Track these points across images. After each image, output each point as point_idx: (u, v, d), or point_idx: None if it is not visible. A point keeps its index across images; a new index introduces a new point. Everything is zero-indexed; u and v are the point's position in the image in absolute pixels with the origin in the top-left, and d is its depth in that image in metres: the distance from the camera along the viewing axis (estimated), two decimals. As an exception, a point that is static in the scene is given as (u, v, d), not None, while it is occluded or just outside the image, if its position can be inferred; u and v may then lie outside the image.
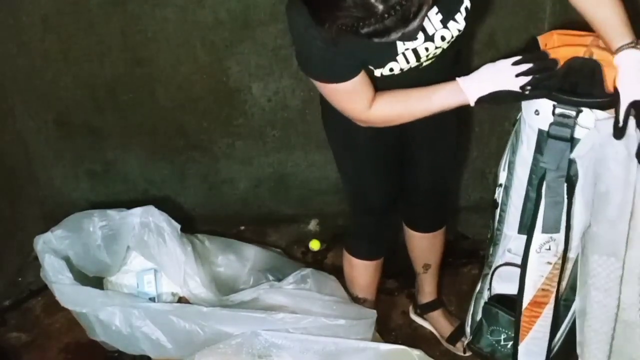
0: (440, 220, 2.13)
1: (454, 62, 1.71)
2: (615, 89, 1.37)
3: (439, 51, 1.55)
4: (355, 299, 2.13)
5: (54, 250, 2.10)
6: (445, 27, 1.51)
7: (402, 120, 1.59)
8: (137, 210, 2.16)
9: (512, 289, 1.72)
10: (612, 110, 1.40)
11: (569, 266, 1.65)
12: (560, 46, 1.53)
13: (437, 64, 1.60)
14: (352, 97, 1.53)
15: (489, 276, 1.80)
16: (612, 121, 1.40)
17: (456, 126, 1.93)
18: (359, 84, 1.51)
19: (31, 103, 2.46)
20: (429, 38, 1.50)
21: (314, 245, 2.61)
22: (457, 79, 1.50)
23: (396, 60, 1.51)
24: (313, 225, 2.69)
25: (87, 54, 2.34)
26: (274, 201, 2.67)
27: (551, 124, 1.48)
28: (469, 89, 1.48)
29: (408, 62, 1.52)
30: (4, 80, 2.41)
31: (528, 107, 1.53)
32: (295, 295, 2.03)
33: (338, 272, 2.18)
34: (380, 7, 1.19)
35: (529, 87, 1.43)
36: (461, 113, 1.71)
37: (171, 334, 1.98)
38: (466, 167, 2.54)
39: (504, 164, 1.68)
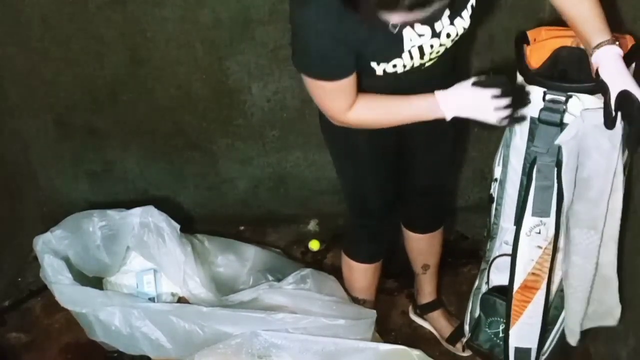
0: (438, 221, 2.13)
1: (451, 69, 1.72)
2: (602, 81, 1.39)
3: (441, 50, 1.55)
4: (355, 301, 2.13)
5: (53, 251, 2.10)
6: (451, 23, 1.52)
7: (377, 126, 1.63)
8: (137, 211, 2.16)
9: (510, 280, 1.74)
10: (600, 103, 1.42)
11: (560, 256, 1.66)
12: (548, 39, 1.56)
13: (435, 68, 1.60)
14: (336, 96, 1.54)
15: (487, 270, 1.81)
16: (597, 112, 1.43)
17: (454, 127, 1.93)
18: (347, 85, 1.52)
19: (31, 103, 2.46)
20: (436, 34, 1.51)
21: (314, 245, 2.61)
22: (435, 92, 1.53)
23: (401, 57, 1.50)
24: (313, 225, 2.69)
25: (87, 54, 2.34)
26: (274, 201, 2.67)
27: (541, 110, 1.53)
28: (447, 106, 1.52)
29: (412, 58, 1.52)
30: (4, 80, 2.40)
31: None
32: (294, 295, 2.03)
33: (338, 272, 2.18)
34: None
35: (505, 121, 1.49)
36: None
37: (171, 334, 1.98)
38: (466, 167, 2.54)
39: (498, 159, 1.71)
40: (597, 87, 1.41)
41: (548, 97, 1.50)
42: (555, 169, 1.56)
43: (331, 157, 1.94)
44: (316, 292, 2.05)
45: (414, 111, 1.56)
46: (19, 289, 2.49)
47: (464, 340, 2.00)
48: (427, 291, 2.27)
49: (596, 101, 1.45)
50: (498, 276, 1.78)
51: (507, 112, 1.49)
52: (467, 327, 1.93)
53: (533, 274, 1.68)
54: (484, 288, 1.83)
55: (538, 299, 1.70)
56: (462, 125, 1.68)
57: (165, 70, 2.36)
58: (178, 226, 2.15)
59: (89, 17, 2.26)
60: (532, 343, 1.76)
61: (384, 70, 1.53)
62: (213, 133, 2.50)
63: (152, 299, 2.18)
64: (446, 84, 1.57)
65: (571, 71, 1.53)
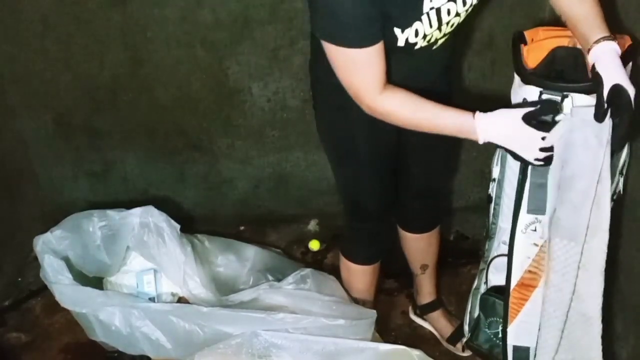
0: (433, 221, 2.13)
1: (448, 66, 1.73)
2: (597, 74, 1.39)
3: (455, 22, 1.54)
4: (354, 302, 2.12)
5: (53, 251, 2.10)
6: None
7: (402, 124, 1.56)
8: (137, 211, 2.16)
9: (508, 279, 1.74)
10: (593, 101, 1.42)
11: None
12: (546, 39, 1.56)
13: (441, 52, 1.61)
14: (365, 69, 1.49)
15: (485, 270, 1.81)
16: (587, 108, 1.42)
17: None
18: (375, 55, 1.47)
19: (31, 103, 2.46)
20: None
21: (314, 245, 2.61)
22: (476, 115, 1.48)
23: (420, 20, 1.48)
24: (313, 225, 2.69)
25: (87, 54, 2.34)
26: (274, 201, 2.67)
27: None
28: (485, 131, 1.48)
29: (431, 25, 1.50)
30: (4, 80, 2.40)
31: (516, 97, 1.56)
32: (295, 295, 2.03)
33: (338, 272, 2.17)
34: None
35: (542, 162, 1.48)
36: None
37: (171, 334, 1.98)
38: (466, 167, 2.54)
39: (496, 159, 1.71)
40: (593, 85, 1.41)
41: (544, 96, 1.51)
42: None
43: (328, 159, 1.93)
44: (316, 292, 2.05)
45: (446, 124, 1.51)
46: (19, 289, 2.49)
47: (464, 340, 2.00)
48: (426, 291, 2.27)
49: (590, 101, 1.46)
50: (497, 276, 1.78)
51: (549, 153, 1.46)
52: (466, 328, 1.93)
53: (530, 271, 1.68)
54: (483, 288, 1.83)
55: (536, 298, 1.70)
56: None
57: (166, 70, 2.36)
58: (178, 226, 2.15)
59: (89, 17, 2.26)
60: (530, 342, 1.76)
61: (406, 40, 1.50)
62: (213, 133, 2.50)
63: (152, 299, 2.18)
64: (441, 82, 1.57)
65: (568, 71, 1.53)
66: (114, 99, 2.43)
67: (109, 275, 2.25)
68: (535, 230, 1.63)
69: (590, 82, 1.44)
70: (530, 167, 1.58)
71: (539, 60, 1.54)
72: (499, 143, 1.51)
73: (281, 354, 1.88)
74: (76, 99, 2.43)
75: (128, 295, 2.16)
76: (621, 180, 1.65)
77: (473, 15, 1.59)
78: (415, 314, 2.33)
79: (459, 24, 1.57)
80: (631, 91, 1.36)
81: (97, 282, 2.21)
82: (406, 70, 1.57)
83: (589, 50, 1.42)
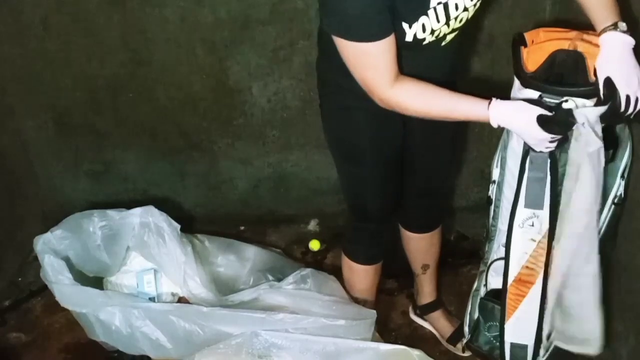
0: (435, 221, 2.13)
1: (455, 64, 1.73)
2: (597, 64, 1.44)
3: (463, 17, 1.55)
4: (356, 301, 2.12)
5: (53, 251, 2.10)
6: None
7: (417, 113, 1.56)
8: (137, 211, 2.16)
9: (507, 283, 1.73)
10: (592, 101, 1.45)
11: (558, 253, 1.65)
12: (546, 41, 1.56)
13: (449, 49, 1.62)
14: (377, 62, 1.49)
15: (485, 272, 1.81)
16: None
17: (454, 128, 1.93)
18: (386, 48, 1.48)
19: (31, 103, 2.46)
20: None
21: (314, 245, 2.61)
22: (492, 101, 1.49)
23: (427, 15, 1.49)
24: (313, 225, 2.69)
25: (87, 54, 2.34)
26: (274, 201, 2.67)
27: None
28: (497, 115, 1.49)
29: (438, 20, 1.51)
30: (4, 80, 2.41)
31: (515, 99, 1.56)
32: (295, 295, 2.03)
33: (338, 272, 2.17)
34: None
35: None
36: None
37: (171, 334, 1.98)
38: (466, 167, 2.54)
39: (496, 161, 1.71)
40: (592, 91, 1.44)
41: (544, 100, 1.50)
42: (549, 160, 1.56)
43: (333, 159, 1.93)
44: (316, 292, 2.05)
45: (461, 109, 1.53)
46: (19, 289, 2.49)
47: (464, 341, 2.00)
48: (427, 291, 2.27)
49: (590, 104, 1.47)
50: (496, 279, 1.78)
51: (555, 144, 1.49)
52: (466, 328, 1.93)
53: (527, 267, 1.68)
54: (483, 291, 1.83)
55: (533, 294, 1.69)
56: (462, 126, 1.68)
57: (166, 70, 2.36)
58: (178, 226, 2.15)
59: (89, 17, 2.26)
60: (528, 340, 1.76)
61: (414, 36, 1.50)
62: (213, 133, 2.50)
63: (152, 299, 2.18)
64: (448, 82, 1.57)
65: (567, 74, 1.52)
66: (114, 99, 2.43)
67: (109, 275, 2.25)
68: (532, 225, 1.63)
69: (590, 86, 1.45)
70: (528, 161, 1.58)
71: (539, 63, 1.54)
72: (509, 127, 1.52)
73: (281, 354, 1.88)
74: (76, 99, 2.44)
75: (128, 295, 2.16)
76: (622, 184, 1.65)
77: (481, 10, 1.59)
78: (416, 314, 2.33)
79: (467, 20, 1.57)
80: (629, 82, 1.39)
81: (97, 282, 2.21)
82: (415, 69, 1.57)
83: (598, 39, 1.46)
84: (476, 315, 1.86)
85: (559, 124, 1.45)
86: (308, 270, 2.12)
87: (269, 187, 2.64)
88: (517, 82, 1.56)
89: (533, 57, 1.55)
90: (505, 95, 1.57)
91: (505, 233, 1.70)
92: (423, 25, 1.50)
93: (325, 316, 1.92)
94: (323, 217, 2.68)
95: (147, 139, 2.52)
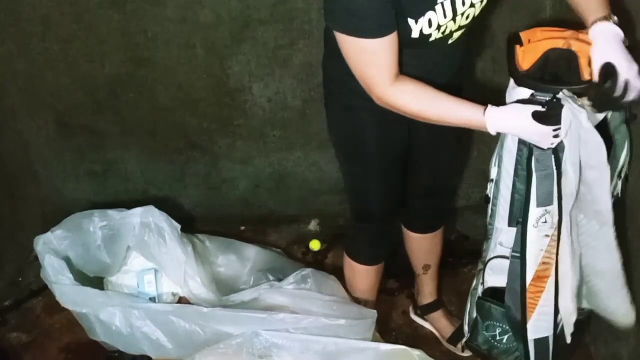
0: (437, 221, 2.13)
1: (462, 63, 1.74)
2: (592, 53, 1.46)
3: (470, 13, 1.54)
4: (357, 301, 2.12)
5: (54, 251, 2.10)
6: None
7: (412, 115, 1.56)
8: (137, 210, 2.16)
9: (504, 282, 1.73)
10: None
11: (565, 238, 1.66)
12: (542, 40, 1.57)
13: (456, 48, 1.61)
14: (377, 60, 1.49)
15: (482, 271, 1.81)
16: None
17: (461, 130, 1.93)
18: (387, 46, 1.47)
19: (31, 103, 2.46)
20: None
21: (314, 245, 2.61)
22: (487, 108, 1.49)
23: (434, 10, 1.49)
24: (313, 225, 2.69)
25: (87, 54, 2.34)
26: (274, 201, 2.67)
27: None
28: (494, 124, 1.49)
29: (445, 16, 1.50)
30: (4, 80, 2.41)
31: (510, 99, 1.57)
32: (295, 295, 2.03)
33: (338, 272, 2.17)
34: None
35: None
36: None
37: (171, 334, 1.98)
38: (467, 167, 2.54)
39: (494, 159, 1.71)
40: (585, 89, 1.45)
41: (537, 98, 1.51)
42: (552, 155, 1.56)
43: (337, 159, 1.93)
44: (317, 292, 2.05)
45: (458, 115, 1.52)
46: (19, 289, 2.49)
47: (464, 340, 2.00)
48: (427, 291, 2.27)
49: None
50: (493, 278, 1.78)
51: (559, 138, 1.49)
52: (466, 327, 1.93)
53: (543, 263, 1.68)
54: (480, 289, 1.83)
55: (549, 287, 1.69)
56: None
57: (166, 70, 2.36)
58: (179, 226, 2.15)
59: (89, 17, 2.26)
60: (548, 331, 1.76)
61: (420, 31, 1.50)
62: (214, 133, 2.50)
63: (152, 299, 2.18)
64: (454, 82, 1.58)
65: (561, 73, 1.53)
66: (114, 99, 2.43)
67: (110, 275, 2.25)
68: (545, 222, 1.63)
69: (583, 84, 1.46)
70: (534, 161, 1.58)
71: (534, 61, 1.55)
72: (508, 132, 1.53)
73: (282, 354, 1.88)
74: (76, 99, 2.44)
75: (128, 295, 2.16)
76: (619, 183, 1.65)
77: (488, 6, 1.58)
78: (416, 314, 2.33)
79: (474, 17, 1.57)
80: (629, 67, 1.40)
81: (97, 282, 2.21)
82: (421, 69, 1.57)
83: (589, 30, 1.47)
84: (474, 314, 1.86)
85: (553, 114, 1.46)
86: (308, 270, 2.12)
87: (269, 187, 2.64)
88: (511, 81, 1.56)
89: (528, 56, 1.55)
90: (504, 95, 1.57)
91: (502, 231, 1.70)
92: (429, 21, 1.49)
93: (325, 316, 1.92)
94: (323, 217, 2.68)
95: (148, 139, 2.52)
